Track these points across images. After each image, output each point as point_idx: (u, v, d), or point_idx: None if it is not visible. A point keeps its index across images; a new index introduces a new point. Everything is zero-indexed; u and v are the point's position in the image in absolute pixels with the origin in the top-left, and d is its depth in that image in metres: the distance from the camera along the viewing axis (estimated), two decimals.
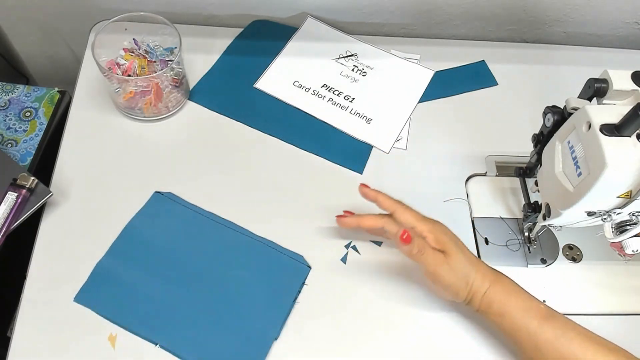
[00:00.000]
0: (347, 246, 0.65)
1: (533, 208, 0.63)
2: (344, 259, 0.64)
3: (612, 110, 0.50)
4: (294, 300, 0.60)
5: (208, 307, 0.59)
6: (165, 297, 0.59)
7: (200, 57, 0.79)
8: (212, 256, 0.62)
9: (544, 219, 0.59)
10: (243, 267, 0.62)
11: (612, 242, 0.54)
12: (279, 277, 0.61)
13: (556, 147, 0.56)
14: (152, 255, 0.61)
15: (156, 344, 0.56)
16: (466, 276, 0.55)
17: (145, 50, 0.71)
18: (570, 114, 0.55)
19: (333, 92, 0.78)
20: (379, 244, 0.66)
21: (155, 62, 0.71)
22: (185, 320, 0.58)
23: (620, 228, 0.53)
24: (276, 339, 0.58)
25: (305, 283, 0.61)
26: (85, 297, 0.58)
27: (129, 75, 0.69)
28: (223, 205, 0.66)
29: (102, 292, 0.59)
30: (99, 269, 0.60)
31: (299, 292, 0.61)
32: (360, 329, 0.59)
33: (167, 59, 0.71)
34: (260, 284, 0.61)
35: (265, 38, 0.83)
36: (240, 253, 0.63)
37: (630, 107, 0.47)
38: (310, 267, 0.62)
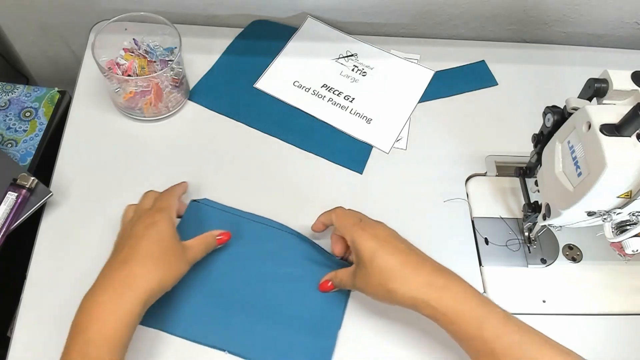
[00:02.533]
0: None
1: (533, 208, 0.63)
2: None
3: (612, 110, 0.50)
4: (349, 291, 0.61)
5: (268, 307, 0.59)
6: (225, 304, 0.59)
7: (200, 57, 0.79)
8: (261, 256, 0.62)
9: (544, 219, 0.59)
10: (293, 264, 0.62)
11: (612, 242, 0.54)
12: (328, 270, 0.61)
13: (556, 147, 0.56)
14: (204, 263, 0.59)
15: (224, 351, 0.56)
16: (383, 285, 0.52)
17: (145, 50, 0.71)
18: (570, 114, 0.55)
19: (333, 92, 0.78)
20: None
21: (155, 62, 0.71)
22: (248, 324, 0.58)
23: (620, 228, 0.53)
24: (339, 328, 0.58)
25: None
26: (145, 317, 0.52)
27: (129, 75, 0.69)
28: (222, 204, 0.66)
29: (162, 309, 0.56)
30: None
31: None
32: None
33: (167, 59, 0.71)
34: (313, 279, 0.60)
35: (265, 38, 0.83)
36: (288, 250, 0.63)
37: (630, 107, 0.47)
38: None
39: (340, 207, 0.61)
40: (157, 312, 0.55)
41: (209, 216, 0.64)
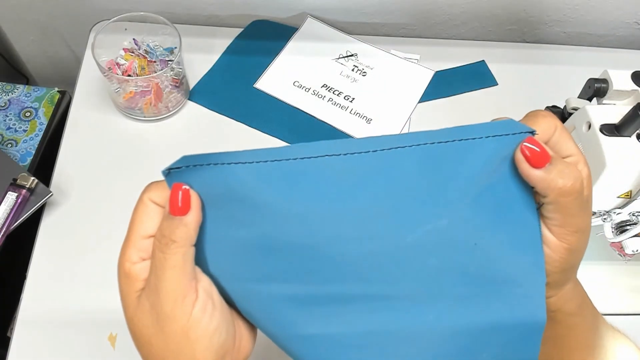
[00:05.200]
0: None
1: None
2: None
3: (612, 110, 0.50)
4: None
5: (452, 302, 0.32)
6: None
7: (200, 57, 0.79)
8: (369, 219, 0.30)
9: None
10: (438, 207, 0.31)
11: (612, 242, 0.54)
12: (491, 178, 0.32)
13: None
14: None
15: None
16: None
17: (145, 50, 0.71)
18: (570, 114, 0.55)
19: (333, 92, 0.78)
20: None
21: (155, 62, 0.71)
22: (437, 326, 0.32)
23: (620, 228, 0.53)
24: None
25: None
26: None
27: (129, 75, 0.69)
28: None
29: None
30: None
31: None
32: None
33: (167, 59, 0.71)
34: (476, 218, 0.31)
35: (265, 38, 0.83)
36: (414, 184, 0.30)
37: (630, 107, 0.47)
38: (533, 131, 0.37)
39: None
40: None
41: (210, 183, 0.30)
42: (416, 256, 0.30)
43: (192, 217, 0.28)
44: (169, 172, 0.30)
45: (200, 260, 0.31)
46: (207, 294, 0.30)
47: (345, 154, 0.28)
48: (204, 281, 0.30)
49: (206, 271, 0.31)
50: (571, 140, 0.32)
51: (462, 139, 0.29)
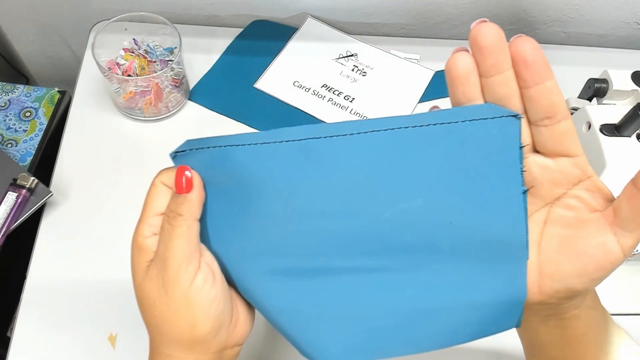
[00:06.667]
0: None
1: None
2: None
3: (612, 110, 0.50)
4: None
5: (429, 273, 0.33)
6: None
7: (200, 57, 0.79)
8: (366, 197, 0.32)
9: None
10: (413, 190, 0.32)
11: None
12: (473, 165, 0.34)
13: None
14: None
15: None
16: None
17: (145, 50, 0.71)
18: (570, 114, 0.55)
19: (333, 92, 0.78)
20: None
21: (155, 62, 0.71)
22: (418, 302, 0.33)
23: None
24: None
25: None
26: None
27: (129, 75, 0.69)
28: None
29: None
30: None
31: None
32: None
33: (167, 59, 0.71)
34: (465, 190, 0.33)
35: (265, 38, 0.83)
36: (391, 165, 0.33)
37: (630, 107, 0.47)
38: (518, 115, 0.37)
39: None
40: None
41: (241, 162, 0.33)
42: (393, 232, 0.32)
43: (195, 195, 0.33)
44: (175, 155, 0.35)
45: (204, 237, 0.34)
46: (209, 266, 0.33)
47: (326, 137, 0.31)
48: (207, 256, 0.34)
49: (209, 248, 0.34)
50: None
51: (440, 123, 0.31)
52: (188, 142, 0.35)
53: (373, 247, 0.33)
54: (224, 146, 0.34)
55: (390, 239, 0.32)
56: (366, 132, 0.32)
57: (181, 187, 0.33)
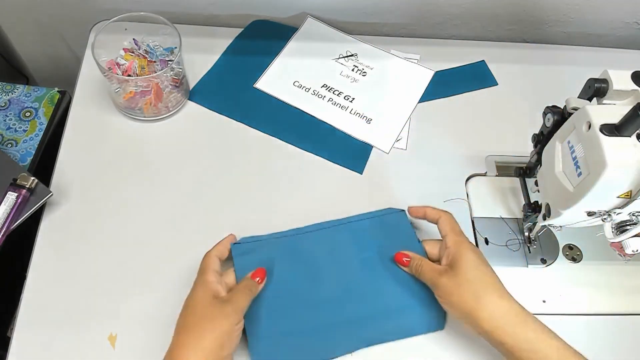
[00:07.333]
0: None
1: (533, 208, 0.63)
2: None
3: (612, 110, 0.50)
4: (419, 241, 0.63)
5: (367, 295, 0.59)
6: (327, 313, 0.58)
7: (200, 57, 0.79)
8: (328, 259, 0.61)
9: (544, 219, 0.59)
10: (365, 249, 0.62)
11: (612, 242, 0.54)
12: (391, 234, 0.63)
13: (556, 147, 0.56)
14: (280, 289, 0.59)
15: (351, 353, 0.58)
16: (476, 296, 0.52)
17: (145, 50, 0.71)
18: (570, 114, 0.55)
19: (333, 92, 0.78)
20: None
21: (155, 62, 0.71)
22: (357, 317, 0.58)
23: (620, 228, 0.53)
24: None
25: None
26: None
27: (129, 75, 0.69)
28: (222, 204, 0.66)
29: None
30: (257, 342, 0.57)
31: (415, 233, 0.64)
32: None
33: (167, 59, 0.71)
34: (386, 253, 0.61)
35: (265, 38, 0.83)
36: (347, 241, 0.63)
37: (630, 107, 0.47)
38: (403, 210, 0.65)
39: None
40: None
41: (256, 253, 0.61)
42: (346, 279, 0.61)
43: (262, 285, 0.58)
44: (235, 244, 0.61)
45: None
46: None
47: (298, 234, 0.63)
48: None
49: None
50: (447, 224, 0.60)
51: (372, 217, 0.65)
52: (242, 238, 0.62)
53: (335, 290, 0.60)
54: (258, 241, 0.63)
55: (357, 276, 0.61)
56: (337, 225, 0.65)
57: (258, 278, 0.57)
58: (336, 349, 0.57)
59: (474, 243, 0.67)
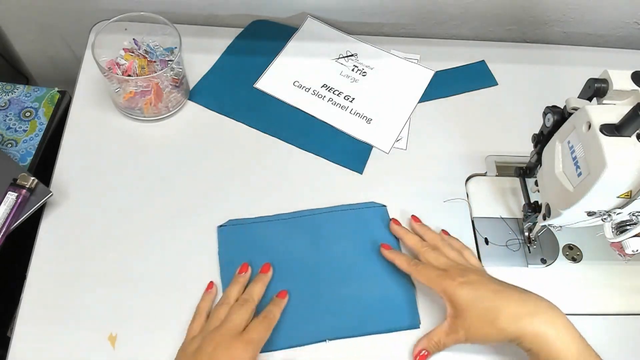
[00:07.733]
0: None
1: (533, 208, 0.63)
2: None
3: (612, 110, 0.50)
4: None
5: (346, 283, 0.62)
6: (309, 298, 0.60)
7: (200, 57, 0.79)
8: (309, 247, 0.64)
9: (544, 219, 0.59)
10: (342, 238, 0.65)
11: (612, 242, 0.54)
12: (370, 228, 0.65)
13: (556, 147, 0.56)
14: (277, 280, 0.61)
15: (325, 341, 0.59)
16: (493, 324, 0.53)
17: (145, 50, 0.71)
18: (570, 114, 0.55)
19: (333, 92, 0.78)
20: None
21: (155, 62, 0.71)
22: (335, 307, 0.60)
23: (620, 228, 0.53)
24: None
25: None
26: None
27: (129, 75, 0.69)
28: (223, 204, 0.66)
29: None
30: None
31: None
32: None
33: (167, 59, 0.71)
34: (363, 244, 0.64)
35: (265, 38, 0.83)
36: (331, 227, 0.65)
37: (630, 107, 0.47)
38: (385, 205, 0.68)
39: (420, 263, 0.60)
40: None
41: (242, 233, 0.64)
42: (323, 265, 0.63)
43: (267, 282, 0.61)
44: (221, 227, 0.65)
45: None
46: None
47: (284, 219, 0.66)
48: None
49: None
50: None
51: (353, 209, 0.67)
52: (229, 221, 0.65)
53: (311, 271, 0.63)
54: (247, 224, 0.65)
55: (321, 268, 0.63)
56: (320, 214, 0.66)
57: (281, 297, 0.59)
58: (308, 334, 0.58)
59: (474, 243, 0.67)
